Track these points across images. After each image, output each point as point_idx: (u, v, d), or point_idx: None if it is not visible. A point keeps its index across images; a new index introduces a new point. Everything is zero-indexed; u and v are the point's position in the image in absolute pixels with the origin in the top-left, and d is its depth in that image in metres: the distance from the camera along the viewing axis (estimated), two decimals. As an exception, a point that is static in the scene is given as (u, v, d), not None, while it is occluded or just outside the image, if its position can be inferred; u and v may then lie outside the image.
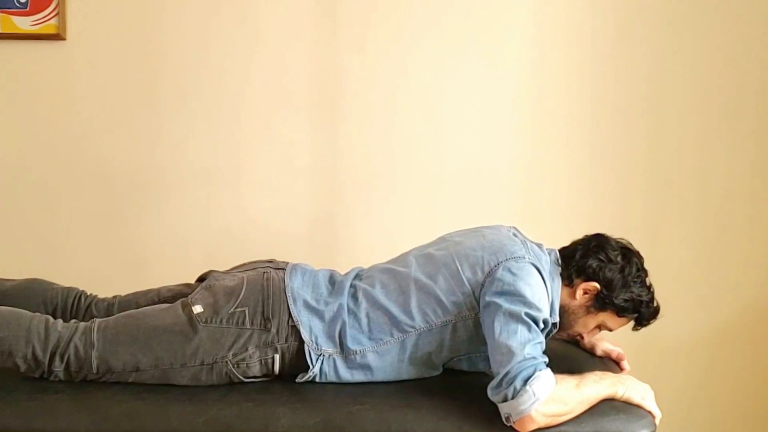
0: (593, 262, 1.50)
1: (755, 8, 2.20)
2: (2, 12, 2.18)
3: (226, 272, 1.55)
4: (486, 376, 1.56)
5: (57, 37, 2.18)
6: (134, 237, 2.27)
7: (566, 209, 2.24)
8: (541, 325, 1.39)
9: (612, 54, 2.21)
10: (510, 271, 1.41)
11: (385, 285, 1.48)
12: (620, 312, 1.50)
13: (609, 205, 2.25)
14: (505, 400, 1.30)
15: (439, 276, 1.45)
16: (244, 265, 1.58)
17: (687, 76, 2.21)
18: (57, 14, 2.17)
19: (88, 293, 1.63)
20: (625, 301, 1.49)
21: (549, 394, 1.28)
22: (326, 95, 2.23)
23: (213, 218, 2.26)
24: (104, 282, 1.78)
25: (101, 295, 1.65)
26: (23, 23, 2.18)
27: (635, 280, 1.50)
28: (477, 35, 2.20)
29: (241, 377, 1.42)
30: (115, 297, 1.63)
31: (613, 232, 2.21)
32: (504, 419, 1.31)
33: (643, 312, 1.51)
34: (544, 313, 1.39)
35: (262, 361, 1.42)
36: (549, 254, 1.53)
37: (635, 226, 2.24)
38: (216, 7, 2.20)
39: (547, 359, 1.34)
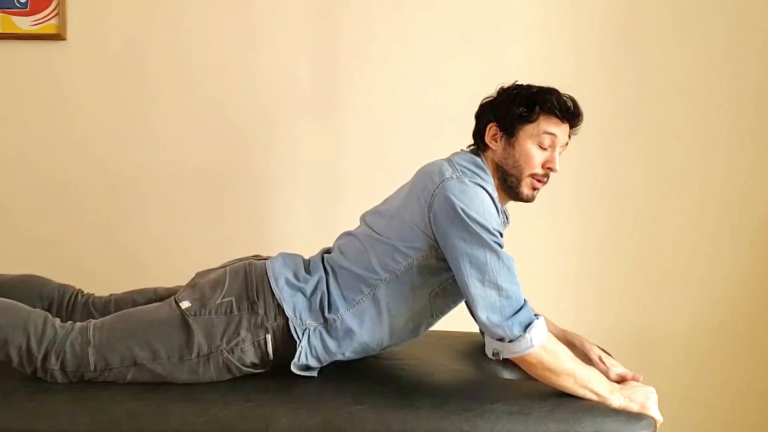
0: (478, 121, 1.56)
1: (756, 8, 2.20)
2: (2, 12, 2.18)
3: (211, 269, 1.56)
4: (489, 375, 1.57)
5: (57, 37, 2.19)
6: (134, 237, 2.27)
7: (566, 207, 2.24)
8: (500, 238, 1.39)
9: (612, 53, 2.21)
10: (444, 196, 1.40)
11: (345, 251, 1.52)
12: (529, 117, 1.48)
13: (608, 203, 2.25)
14: (500, 340, 1.34)
15: (390, 228, 1.48)
16: (230, 261, 1.59)
17: (687, 67, 2.23)
18: (57, 14, 2.18)
19: (85, 291, 1.63)
20: (520, 106, 1.48)
21: (544, 342, 1.33)
22: (327, 95, 2.23)
23: (213, 218, 2.26)
24: (103, 282, 1.79)
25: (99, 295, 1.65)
26: (23, 23, 2.18)
27: (514, 91, 1.52)
28: (478, 34, 2.21)
29: (238, 365, 1.42)
30: (111, 295, 1.63)
31: (613, 229, 2.25)
32: (491, 354, 1.36)
33: (543, 100, 1.48)
34: (496, 223, 1.39)
35: (256, 344, 1.42)
36: (472, 152, 1.56)
37: (634, 222, 2.25)
38: (216, 7, 2.20)
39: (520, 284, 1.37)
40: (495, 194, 1.46)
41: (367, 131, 2.23)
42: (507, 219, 1.65)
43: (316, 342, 1.44)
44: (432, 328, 1.80)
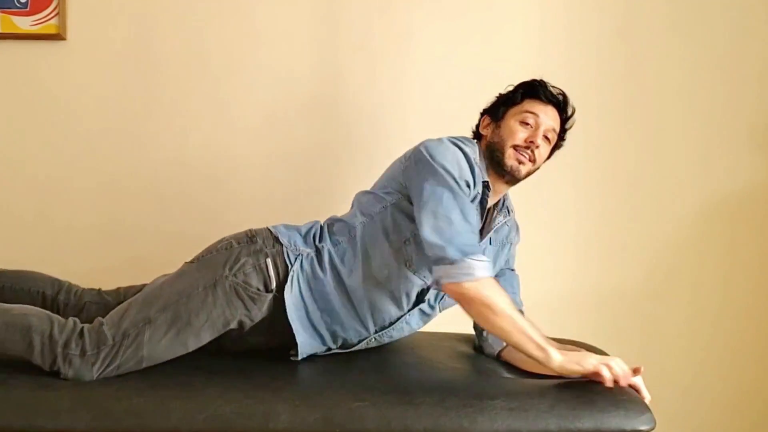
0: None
1: (757, 10, 2.21)
2: (2, 12, 2.18)
3: None
4: (488, 373, 1.58)
5: (57, 37, 2.19)
6: (135, 237, 2.27)
7: (563, 205, 2.25)
8: (465, 188, 1.49)
9: (612, 54, 2.22)
10: (418, 149, 1.55)
11: (342, 215, 1.68)
12: (513, 99, 1.64)
13: (608, 202, 2.26)
14: (440, 263, 1.39)
15: (375, 183, 1.67)
16: None
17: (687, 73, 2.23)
18: (57, 14, 2.18)
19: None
20: (506, 94, 1.67)
21: (489, 282, 1.37)
22: (326, 94, 2.23)
23: (214, 218, 2.26)
24: (104, 282, 1.79)
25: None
26: (23, 23, 2.18)
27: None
28: (478, 31, 2.21)
29: (244, 285, 1.49)
30: (119, 288, 1.69)
31: (613, 231, 2.25)
32: (434, 281, 1.42)
33: (527, 85, 1.65)
34: (463, 173, 1.50)
35: (257, 267, 1.51)
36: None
37: (633, 220, 2.26)
38: (216, 7, 2.21)
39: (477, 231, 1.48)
40: (475, 156, 1.56)
41: (368, 129, 2.24)
42: (509, 212, 1.68)
43: (306, 266, 1.53)
44: (431, 329, 1.82)
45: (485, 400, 1.35)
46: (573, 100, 1.69)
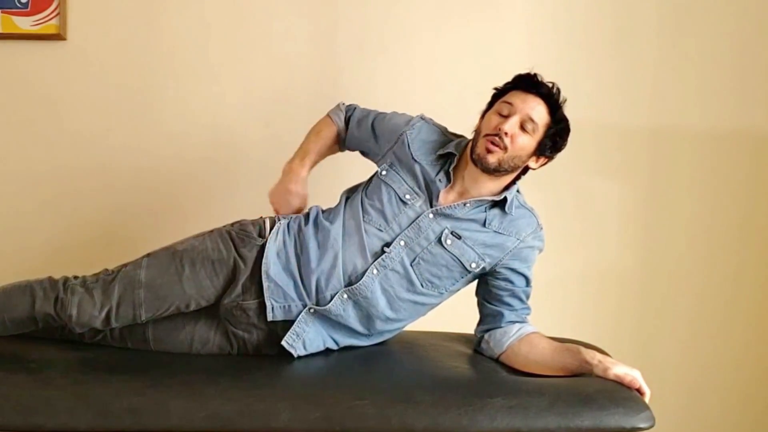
0: None
1: (757, 10, 2.21)
2: (3, 12, 2.18)
3: None
4: (488, 372, 1.57)
5: (57, 37, 2.19)
6: (135, 237, 2.27)
7: (567, 206, 2.25)
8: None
9: (612, 54, 2.22)
10: None
11: None
12: (500, 94, 1.68)
13: (608, 202, 2.26)
14: None
15: None
16: None
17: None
18: (58, 14, 2.18)
19: None
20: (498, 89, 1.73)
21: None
22: (326, 94, 2.23)
23: (214, 218, 2.26)
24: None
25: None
26: (24, 23, 2.19)
27: None
28: (476, 32, 2.21)
29: (238, 230, 1.64)
30: None
31: (613, 235, 2.25)
32: None
33: (512, 79, 1.68)
34: (392, 123, 1.80)
35: (254, 223, 1.67)
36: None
37: (635, 225, 2.26)
38: (216, 7, 2.21)
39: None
40: (433, 137, 1.73)
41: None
42: (449, 179, 1.67)
43: (293, 223, 1.67)
44: (431, 329, 1.81)
45: (485, 398, 1.35)
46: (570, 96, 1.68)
